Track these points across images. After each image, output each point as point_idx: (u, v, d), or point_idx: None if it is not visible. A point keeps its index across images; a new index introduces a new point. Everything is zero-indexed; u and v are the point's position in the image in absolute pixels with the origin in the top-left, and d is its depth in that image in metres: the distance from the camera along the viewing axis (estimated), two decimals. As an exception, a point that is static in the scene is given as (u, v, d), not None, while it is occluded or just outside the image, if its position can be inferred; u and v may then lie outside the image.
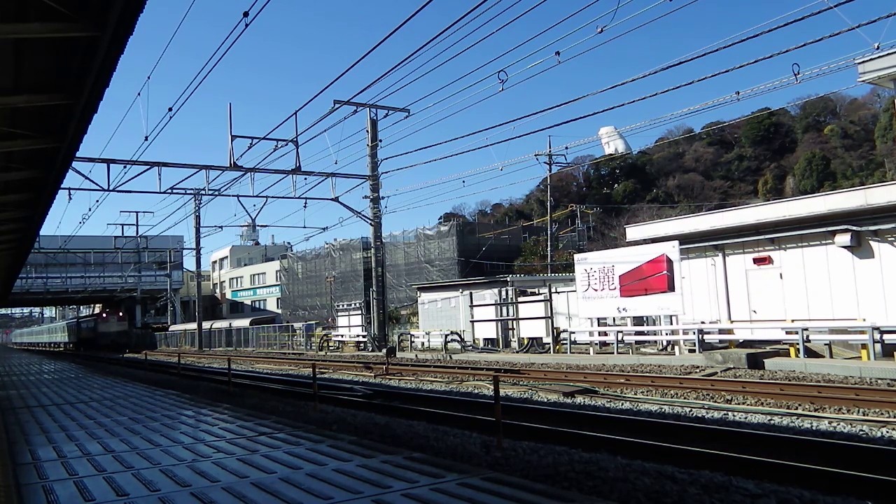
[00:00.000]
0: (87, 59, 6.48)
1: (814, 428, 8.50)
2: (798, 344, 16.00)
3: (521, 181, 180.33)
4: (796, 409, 9.91)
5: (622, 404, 11.24)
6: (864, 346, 15.39)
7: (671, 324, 19.92)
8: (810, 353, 16.18)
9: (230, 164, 25.33)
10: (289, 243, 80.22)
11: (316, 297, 59.50)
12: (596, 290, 21.50)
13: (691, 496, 4.97)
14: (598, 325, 22.43)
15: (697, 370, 15.81)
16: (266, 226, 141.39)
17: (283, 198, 29.97)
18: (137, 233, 53.09)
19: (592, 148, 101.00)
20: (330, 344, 37.63)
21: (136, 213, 54.06)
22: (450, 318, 32.18)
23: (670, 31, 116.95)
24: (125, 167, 24.62)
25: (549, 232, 46.61)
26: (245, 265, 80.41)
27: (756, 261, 20.00)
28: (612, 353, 20.33)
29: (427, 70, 61.91)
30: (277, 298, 69.00)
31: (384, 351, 27.58)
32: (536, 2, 14.70)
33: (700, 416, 9.77)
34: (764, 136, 70.29)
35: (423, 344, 31.63)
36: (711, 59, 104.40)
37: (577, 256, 23.86)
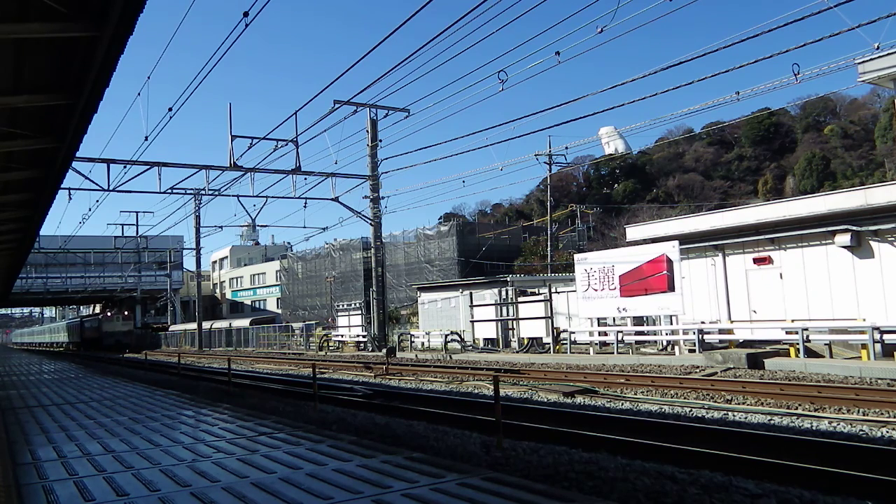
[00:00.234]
0: (87, 59, 6.48)
1: (814, 428, 8.50)
2: (798, 344, 16.00)
3: (521, 181, 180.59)
4: (796, 409, 9.91)
5: (622, 404, 11.24)
6: (864, 346, 15.39)
7: (671, 324, 19.92)
8: (810, 353, 16.18)
9: (230, 164, 25.33)
10: (289, 243, 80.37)
11: (316, 297, 59.51)
12: (596, 290, 21.50)
13: (691, 496, 4.97)
14: (598, 325, 22.43)
15: (697, 370, 15.81)
16: (266, 226, 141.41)
17: (283, 198, 30.01)
18: (137, 233, 53.10)
19: (592, 148, 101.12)
20: (330, 344, 37.63)
21: (136, 213, 54.15)
22: (450, 318, 32.18)
23: (670, 31, 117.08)
24: (125, 167, 24.64)
25: (549, 232, 46.62)
26: (245, 265, 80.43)
27: (756, 261, 20.00)
28: (612, 353, 20.33)
29: (427, 70, 62.02)
30: (277, 298, 69.02)
31: (384, 351, 27.57)
32: (536, 2, 14.71)
33: (700, 416, 9.77)
34: (764, 136, 70.30)
35: (423, 344, 31.63)
36: (711, 59, 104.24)
37: (577, 256, 23.85)
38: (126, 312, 62.18)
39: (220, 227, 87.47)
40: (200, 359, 36.24)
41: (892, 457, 6.34)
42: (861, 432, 8.09)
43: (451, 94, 55.28)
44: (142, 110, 64.64)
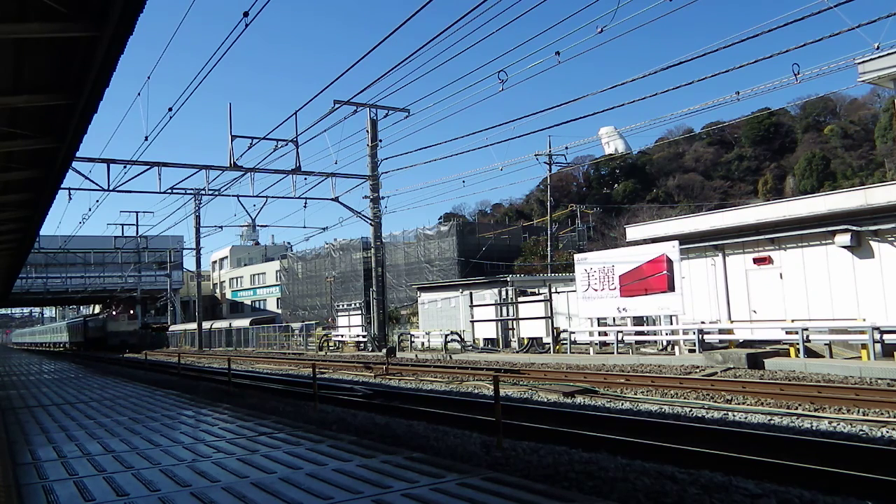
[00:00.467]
0: (87, 59, 6.48)
1: (814, 428, 8.50)
2: (798, 344, 16.00)
3: (521, 181, 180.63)
4: (796, 409, 9.91)
5: (622, 404, 11.24)
6: (864, 346, 15.39)
7: (671, 324, 19.92)
8: (810, 353, 16.18)
9: (230, 164, 25.34)
10: (289, 243, 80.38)
11: (316, 297, 59.52)
12: (596, 290, 21.50)
13: (691, 496, 4.96)
14: (598, 325, 22.43)
15: (697, 370, 15.81)
16: (266, 226, 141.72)
17: (283, 198, 30.02)
18: (137, 233, 53.09)
19: (592, 148, 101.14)
20: (330, 344, 37.65)
21: (136, 213, 54.15)
22: (450, 318, 32.19)
23: (670, 31, 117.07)
24: (125, 167, 24.64)
25: (549, 232, 46.62)
26: (245, 265, 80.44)
27: (756, 261, 20.00)
28: (612, 353, 20.33)
29: (427, 70, 62.06)
30: (277, 298, 69.03)
31: (384, 351, 27.57)
32: (536, 2, 14.72)
33: (700, 416, 9.77)
34: (764, 136, 70.30)
35: (423, 344, 31.63)
36: (711, 59, 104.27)
37: (577, 256, 23.85)
38: (132, 311, 60.19)
39: (220, 227, 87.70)
40: (200, 359, 36.24)
41: (892, 457, 6.34)
42: (861, 432, 8.09)
43: (451, 94, 55.25)
44: (142, 110, 64.68)
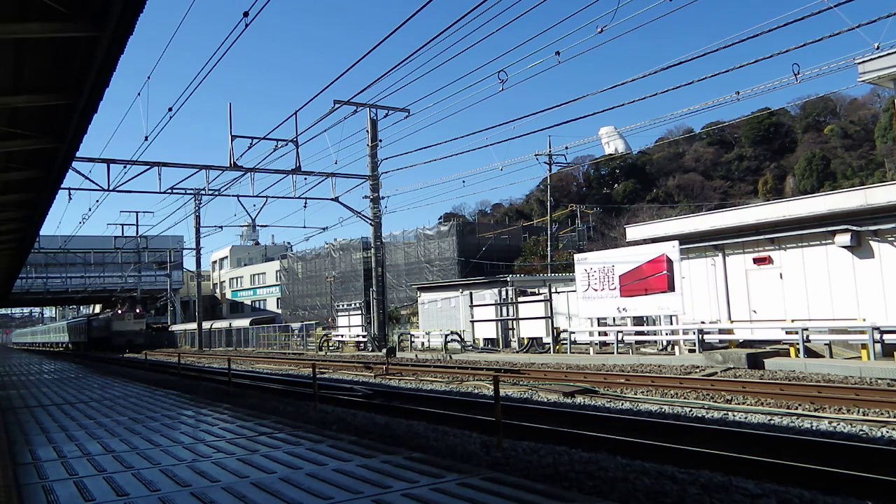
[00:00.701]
0: (87, 59, 6.48)
1: (814, 428, 8.50)
2: (798, 344, 16.00)
3: (521, 181, 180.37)
4: (796, 409, 9.91)
5: (622, 404, 11.24)
6: (864, 346, 15.39)
7: (671, 324, 19.92)
8: (810, 353, 16.18)
9: (230, 164, 25.34)
10: (289, 243, 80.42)
11: (316, 297, 59.52)
12: (596, 290, 21.50)
13: (691, 496, 4.96)
14: (598, 325, 22.43)
15: (697, 370, 15.81)
16: (266, 226, 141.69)
17: (283, 198, 30.02)
18: (137, 233, 53.06)
19: (592, 148, 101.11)
20: (330, 344, 37.64)
21: (136, 213, 54.12)
22: (450, 318, 32.18)
23: (670, 31, 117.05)
24: (125, 167, 24.64)
25: (549, 232, 46.62)
26: (245, 265, 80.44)
27: (756, 261, 20.00)
28: (612, 353, 20.33)
29: (427, 70, 62.16)
30: (277, 298, 69.03)
31: (384, 351, 27.57)
32: (536, 2, 14.71)
33: (700, 416, 9.77)
34: (764, 136, 70.28)
35: (423, 344, 31.62)
36: (711, 59, 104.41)
37: (577, 256, 23.85)
38: (138, 310, 57.60)
39: (220, 227, 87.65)
40: (200, 359, 36.23)
41: (892, 457, 6.34)
42: (861, 432, 8.08)
43: (451, 94, 55.38)
44: (142, 110, 64.63)
